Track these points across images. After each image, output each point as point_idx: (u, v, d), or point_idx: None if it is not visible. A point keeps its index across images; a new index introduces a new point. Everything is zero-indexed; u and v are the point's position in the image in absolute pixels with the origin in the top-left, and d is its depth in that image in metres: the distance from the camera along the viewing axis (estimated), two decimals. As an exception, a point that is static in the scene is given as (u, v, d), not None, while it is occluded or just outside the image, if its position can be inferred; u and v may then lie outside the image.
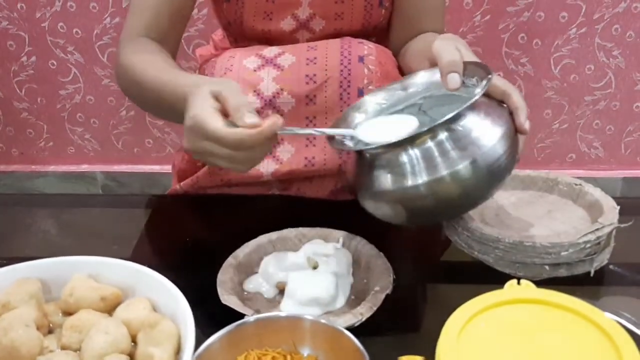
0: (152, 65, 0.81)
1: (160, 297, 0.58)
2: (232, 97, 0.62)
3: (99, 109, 1.74)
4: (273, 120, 0.60)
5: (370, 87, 0.86)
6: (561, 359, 0.46)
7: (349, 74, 0.85)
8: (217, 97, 0.63)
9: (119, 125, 1.77)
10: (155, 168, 1.80)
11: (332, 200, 0.91)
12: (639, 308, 0.68)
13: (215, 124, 0.60)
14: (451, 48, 0.67)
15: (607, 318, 0.48)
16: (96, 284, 0.59)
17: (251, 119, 0.60)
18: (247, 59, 0.87)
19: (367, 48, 0.87)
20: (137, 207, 0.95)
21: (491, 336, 0.48)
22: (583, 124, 1.74)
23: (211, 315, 0.64)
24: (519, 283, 0.53)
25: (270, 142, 0.62)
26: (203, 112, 0.61)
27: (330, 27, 0.92)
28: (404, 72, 0.94)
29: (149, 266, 0.61)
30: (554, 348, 0.47)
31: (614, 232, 0.72)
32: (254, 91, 0.84)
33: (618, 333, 0.46)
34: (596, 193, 0.78)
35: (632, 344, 0.45)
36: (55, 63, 1.71)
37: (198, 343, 0.55)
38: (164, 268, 0.69)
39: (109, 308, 0.57)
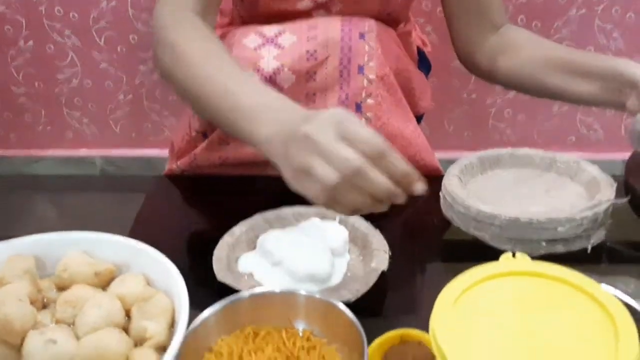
0: (211, 61, 0.71)
1: (154, 272, 0.58)
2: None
3: (96, 93, 1.73)
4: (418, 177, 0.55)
5: (370, 64, 0.86)
6: (556, 330, 0.46)
7: (350, 51, 0.85)
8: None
9: (117, 110, 1.76)
10: (154, 152, 1.79)
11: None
12: (636, 283, 0.68)
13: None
14: None
15: (603, 289, 0.48)
16: (90, 259, 0.59)
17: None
18: (247, 38, 0.86)
19: (368, 25, 0.86)
20: (134, 188, 0.95)
21: (485, 308, 0.48)
22: (583, 107, 1.73)
23: (207, 292, 0.65)
24: (514, 256, 0.53)
25: (393, 196, 0.54)
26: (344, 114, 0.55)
27: (349, 9, 0.90)
28: (502, 75, 0.94)
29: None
30: (548, 320, 0.46)
31: (610, 209, 0.72)
32: (254, 68, 0.84)
33: (613, 304, 0.46)
34: (594, 171, 0.78)
35: (627, 314, 0.45)
36: (52, 47, 1.69)
37: (193, 319, 0.55)
38: (161, 246, 0.69)
39: (104, 283, 0.57)
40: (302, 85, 0.84)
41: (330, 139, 0.52)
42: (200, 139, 0.91)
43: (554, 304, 0.48)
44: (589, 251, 0.70)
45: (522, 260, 0.52)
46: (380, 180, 0.52)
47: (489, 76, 0.98)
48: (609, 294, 0.47)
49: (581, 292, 0.48)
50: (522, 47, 0.92)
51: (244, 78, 0.67)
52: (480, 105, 1.73)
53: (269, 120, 0.62)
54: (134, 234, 0.81)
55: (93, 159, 1.82)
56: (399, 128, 0.89)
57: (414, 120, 0.94)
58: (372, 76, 0.86)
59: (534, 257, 0.60)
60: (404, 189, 0.54)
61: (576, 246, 0.70)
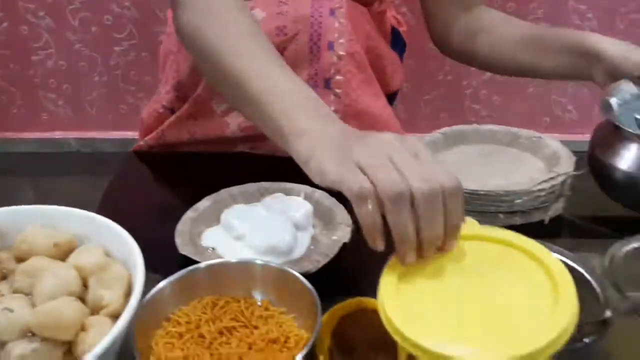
0: (254, 35, 0.66)
1: (113, 244, 0.58)
2: None
3: (71, 74, 1.72)
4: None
5: (340, 41, 0.86)
6: (499, 291, 0.47)
7: (320, 27, 0.85)
8: None
9: (92, 91, 1.75)
10: (129, 134, 1.79)
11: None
12: (589, 256, 0.70)
13: None
14: None
15: (546, 251, 0.49)
16: (50, 231, 0.59)
17: None
18: None
19: (338, 1, 0.87)
20: (103, 165, 0.95)
21: (432, 272, 0.49)
22: (557, 88, 1.74)
23: (170, 266, 0.65)
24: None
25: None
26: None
27: None
28: (475, 55, 0.94)
29: (112, 220, 0.62)
30: (493, 282, 0.48)
31: (568, 181, 0.73)
32: None
33: (555, 265, 0.47)
34: (555, 146, 0.79)
35: (568, 276, 0.46)
36: (26, 28, 1.68)
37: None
38: (127, 221, 0.69)
39: (63, 255, 0.58)
40: None
41: (408, 154, 0.48)
42: (168, 115, 0.91)
43: (498, 266, 0.49)
44: (546, 222, 0.71)
45: (471, 225, 0.52)
46: (441, 218, 0.47)
47: (463, 58, 0.99)
48: (551, 255, 0.48)
49: (526, 254, 0.49)
50: (494, 27, 0.93)
51: (287, 70, 0.63)
52: (456, 87, 1.74)
53: (319, 119, 0.57)
54: (102, 209, 0.81)
55: (69, 141, 1.81)
56: (368, 105, 0.90)
57: (383, 97, 0.94)
58: (341, 52, 0.86)
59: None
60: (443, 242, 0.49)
61: (534, 218, 0.71)
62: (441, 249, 0.49)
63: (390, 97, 1.05)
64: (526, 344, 0.40)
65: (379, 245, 0.49)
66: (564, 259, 0.53)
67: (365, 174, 0.48)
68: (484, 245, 0.51)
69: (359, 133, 0.54)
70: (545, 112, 1.78)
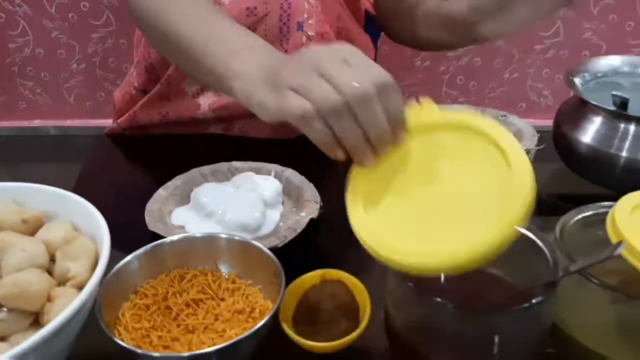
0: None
1: (81, 219, 0.59)
2: None
3: (49, 62, 1.71)
4: None
5: (310, 22, 0.87)
6: (458, 174, 0.49)
7: (289, 8, 0.86)
8: None
9: (70, 79, 1.74)
10: (109, 122, 1.77)
11: (272, 139, 0.92)
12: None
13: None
14: None
15: (502, 131, 0.49)
16: (18, 207, 0.60)
17: None
18: None
19: None
20: (75, 146, 0.96)
21: (392, 183, 0.51)
22: (533, 73, 1.76)
23: (140, 243, 0.66)
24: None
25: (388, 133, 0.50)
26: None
27: None
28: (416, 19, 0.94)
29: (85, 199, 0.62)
30: (450, 176, 0.50)
31: (530, 157, 0.75)
32: None
33: (510, 147, 0.48)
34: (519, 124, 0.81)
35: (522, 152, 0.48)
36: (3, 16, 1.67)
37: (120, 264, 0.57)
38: (98, 201, 0.70)
39: (31, 230, 0.58)
40: None
41: (335, 62, 0.48)
42: (140, 97, 0.92)
43: (455, 158, 0.50)
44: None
45: (429, 110, 0.52)
46: (382, 116, 0.48)
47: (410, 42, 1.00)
48: (507, 135, 0.49)
49: (482, 137, 0.50)
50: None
51: (227, 19, 0.66)
52: (433, 72, 1.75)
53: (251, 57, 0.58)
54: (76, 190, 0.82)
55: (47, 129, 1.80)
56: None
57: None
58: (311, 33, 0.87)
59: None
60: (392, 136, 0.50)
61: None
62: (393, 143, 0.50)
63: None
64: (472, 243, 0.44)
65: (340, 155, 0.51)
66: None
67: (300, 94, 0.49)
68: (440, 136, 0.51)
69: (287, 56, 0.55)
70: (521, 98, 1.80)
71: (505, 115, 0.83)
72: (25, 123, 1.81)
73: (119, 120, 0.93)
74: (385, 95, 0.48)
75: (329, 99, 0.47)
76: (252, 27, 0.85)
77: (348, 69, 0.48)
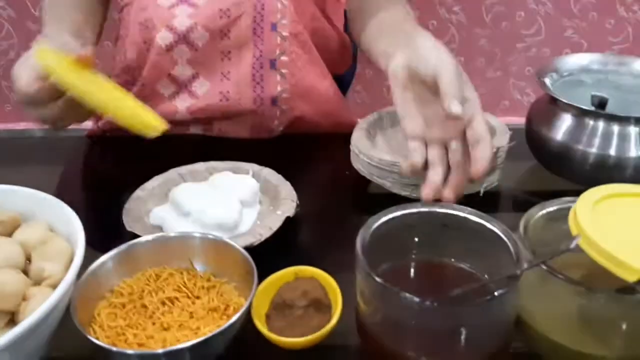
0: None
1: (57, 220, 0.60)
2: None
3: (34, 64, 1.72)
4: None
5: (283, 22, 0.88)
6: None
7: (263, 8, 0.87)
8: None
9: (56, 81, 1.75)
10: (96, 124, 1.79)
11: (250, 139, 0.93)
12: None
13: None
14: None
15: None
16: (-6, 209, 0.61)
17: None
18: None
19: None
20: (55, 147, 0.96)
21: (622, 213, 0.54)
22: (515, 71, 1.78)
23: (117, 243, 0.67)
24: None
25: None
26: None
27: None
28: (359, 41, 0.93)
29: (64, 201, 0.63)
30: None
31: (503, 154, 0.76)
32: (167, 26, 0.85)
33: None
34: (493, 121, 0.82)
35: None
36: (-14, 19, 1.67)
37: (96, 263, 0.58)
38: (77, 201, 0.71)
39: (8, 231, 0.59)
40: (217, 43, 0.87)
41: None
42: None
43: None
44: (481, 194, 0.75)
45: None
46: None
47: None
48: None
49: None
50: (369, 22, 0.90)
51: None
52: (417, 71, 1.77)
53: None
54: (58, 191, 0.83)
55: (33, 132, 1.81)
56: (314, 85, 0.92)
57: (329, 77, 0.97)
58: (285, 33, 0.88)
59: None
60: None
61: (468, 190, 0.74)
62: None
63: (341, 78, 1.07)
64: None
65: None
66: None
67: None
68: None
69: None
70: (504, 96, 1.82)
71: (479, 114, 0.84)
72: (10, 125, 1.82)
73: (99, 123, 0.94)
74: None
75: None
76: (226, 29, 0.86)
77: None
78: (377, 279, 0.49)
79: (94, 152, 0.94)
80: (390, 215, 0.57)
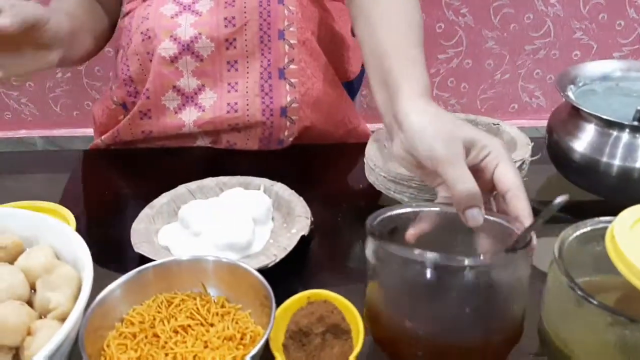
0: None
1: (62, 245, 0.57)
2: None
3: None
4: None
5: (291, 29, 0.85)
6: None
7: (269, 16, 0.84)
8: None
9: (56, 88, 1.72)
10: (97, 131, 1.77)
11: (259, 151, 0.90)
12: (547, 240, 0.71)
13: None
14: (465, 173, 0.54)
15: None
16: (-4, 234, 0.58)
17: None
18: (163, 6, 0.84)
19: None
20: (61, 163, 0.93)
21: None
22: (524, 74, 1.75)
23: (128, 265, 0.64)
24: None
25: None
26: None
27: None
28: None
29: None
30: None
31: (525, 167, 0.73)
32: (171, 36, 0.82)
33: None
34: (512, 132, 0.79)
35: None
36: (-15, 25, 1.64)
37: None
38: (83, 220, 0.68)
39: (10, 257, 0.56)
40: (222, 53, 0.84)
41: None
42: (120, 111, 0.89)
43: None
44: (505, 210, 0.72)
45: None
46: None
47: None
48: None
49: None
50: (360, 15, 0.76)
51: None
52: (423, 75, 1.74)
53: None
54: (59, 209, 0.80)
55: (33, 140, 1.78)
56: (324, 93, 0.89)
57: (339, 84, 0.94)
58: (293, 41, 0.85)
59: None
60: None
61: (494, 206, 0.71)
62: None
63: (350, 84, 1.04)
64: None
65: None
66: (497, 219, 0.54)
67: None
68: None
69: None
70: (512, 99, 1.79)
71: (497, 124, 0.81)
72: (10, 133, 1.79)
73: (102, 137, 0.91)
74: None
75: None
76: (232, 38, 0.83)
77: None
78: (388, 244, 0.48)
79: (98, 166, 0.91)
80: (397, 211, 0.56)
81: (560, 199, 0.47)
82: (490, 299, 0.50)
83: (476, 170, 0.55)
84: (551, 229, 0.73)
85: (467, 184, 0.53)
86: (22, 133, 1.78)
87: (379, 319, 0.53)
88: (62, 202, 0.78)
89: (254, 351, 0.49)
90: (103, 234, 0.73)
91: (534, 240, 0.51)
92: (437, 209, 0.57)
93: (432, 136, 0.55)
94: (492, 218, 0.55)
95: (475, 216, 0.53)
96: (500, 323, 0.51)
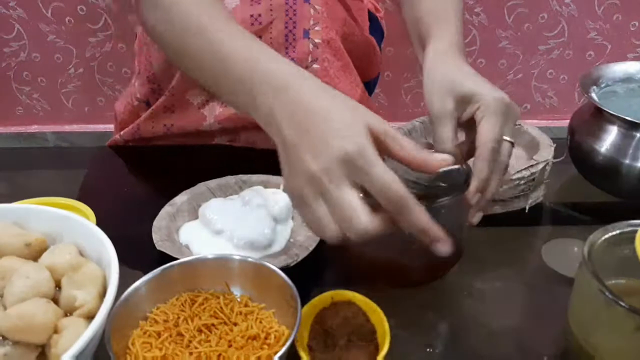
0: (211, 16, 0.60)
1: (86, 242, 0.57)
2: (400, 140, 0.49)
3: (45, 67, 1.69)
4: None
5: (316, 28, 0.84)
6: None
7: (295, 15, 0.83)
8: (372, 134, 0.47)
9: (68, 84, 1.71)
10: (109, 127, 1.76)
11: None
12: (570, 242, 0.70)
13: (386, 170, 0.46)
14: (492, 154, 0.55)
15: None
16: (20, 230, 0.57)
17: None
18: None
19: None
20: (78, 159, 0.93)
21: None
22: (537, 74, 1.74)
23: (148, 263, 0.63)
24: None
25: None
26: (368, 149, 0.46)
27: None
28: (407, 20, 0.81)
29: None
30: None
31: (548, 169, 0.73)
32: None
33: None
34: (534, 132, 0.79)
35: None
36: (-3, 20, 1.64)
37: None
38: (102, 217, 0.68)
39: (35, 254, 0.56)
40: None
41: (341, 186, 0.45)
42: (143, 108, 0.89)
43: None
44: (526, 211, 0.71)
45: None
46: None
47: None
48: None
49: None
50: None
51: (265, 46, 0.57)
52: (436, 73, 1.73)
53: (268, 90, 0.51)
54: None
55: (45, 135, 1.78)
56: (347, 93, 0.89)
57: (361, 85, 0.93)
58: (317, 40, 0.85)
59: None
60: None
61: (514, 206, 0.71)
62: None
63: (367, 84, 1.03)
64: None
65: None
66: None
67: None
68: None
69: (289, 136, 0.49)
70: (525, 99, 1.78)
71: (519, 124, 0.80)
72: (22, 128, 1.79)
73: (121, 133, 0.91)
74: (400, 214, 0.46)
75: (332, 236, 0.47)
76: (257, 35, 0.82)
77: (354, 200, 0.46)
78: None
79: (117, 163, 0.90)
80: None
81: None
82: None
83: (473, 124, 0.58)
84: (571, 231, 0.73)
85: (445, 144, 0.58)
86: (34, 128, 1.78)
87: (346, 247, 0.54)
88: (79, 199, 0.78)
89: (282, 351, 0.48)
90: (122, 231, 0.73)
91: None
92: None
93: (429, 92, 0.61)
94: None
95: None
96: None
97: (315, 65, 0.85)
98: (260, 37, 0.82)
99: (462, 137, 0.62)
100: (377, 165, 0.45)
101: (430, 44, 0.66)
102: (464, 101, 0.59)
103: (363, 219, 0.45)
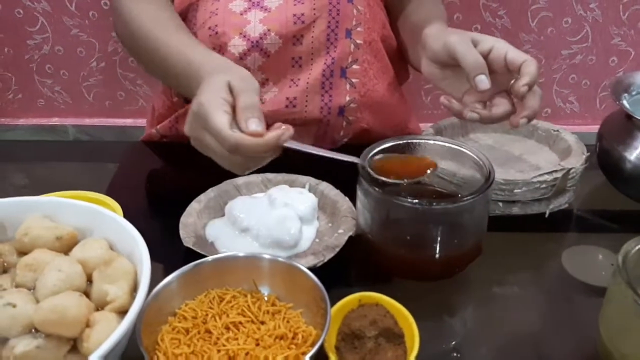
0: (158, 23, 0.78)
1: (117, 237, 0.57)
2: (244, 95, 0.60)
3: (68, 60, 1.69)
4: (278, 133, 0.59)
5: (358, 29, 0.84)
6: None
7: (338, 14, 0.83)
8: (231, 90, 0.60)
9: (90, 77, 1.72)
10: (128, 121, 1.76)
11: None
12: (595, 250, 0.70)
13: (220, 119, 0.57)
14: (472, 50, 0.67)
15: None
16: (52, 223, 0.58)
17: (254, 125, 0.58)
18: (232, 3, 0.83)
19: None
20: (110, 154, 0.93)
21: None
22: (559, 78, 1.73)
23: (175, 258, 0.64)
24: None
25: (271, 153, 0.60)
26: (211, 103, 0.58)
27: None
28: (400, 38, 0.91)
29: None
30: None
31: (577, 176, 0.72)
32: (240, 34, 0.82)
33: None
34: (570, 139, 0.78)
35: None
36: (21, 12, 1.65)
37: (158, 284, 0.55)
38: (132, 212, 0.68)
39: (65, 248, 0.56)
40: (289, 49, 0.83)
41: (198, 130, 0.60)
42: (181, 104, 0.89)
43: None
44: (546, 216, 0.71)
45: None
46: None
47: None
48: None
49: None
50: (409, 15, 0.91)
51: (194, 40, 0.76)
52: (458, 76, 1.72)
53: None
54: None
55: (66, 128, 1.79)
56: (385, 95, 0.88)
57: (399, 88, 0.93)
58: (359, 41, 0.84)
59: (490, 217, 0.61)
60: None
61: (533, 210, 0.71)
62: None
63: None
64: None
65: None
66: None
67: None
68: None
69: (192, 109, 0.61)
70: (546, 103, 1.77)
71: (557, 130, 0.80)
72: (43, 121, 1.80)
73: (158, 127, 0.90)
74: (212, 136, 0.59)
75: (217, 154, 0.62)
76: (299, 34, 0.82)
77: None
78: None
79: (147, 158, 0.91)
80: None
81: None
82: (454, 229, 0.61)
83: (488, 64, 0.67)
84: (593, 238, 0.72)
85: (474, 55, 0.67)
86: (55, 121, 1.79)
87: (369, 243, 0.64)
88: (109, 193, 0.78)
89: (312, 351, 0.48)
90: (149, 226, 0.73)
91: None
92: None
93: (446, 34, 0.71)
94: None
95: (483, 80, 0.67)
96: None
97: (355, 66, 0.84)
98: (302, 35, 0.82)
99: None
100: (211, 115, 0.57)
101: (427, 28, 0.76)
102: (474, 42, 0.69)
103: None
